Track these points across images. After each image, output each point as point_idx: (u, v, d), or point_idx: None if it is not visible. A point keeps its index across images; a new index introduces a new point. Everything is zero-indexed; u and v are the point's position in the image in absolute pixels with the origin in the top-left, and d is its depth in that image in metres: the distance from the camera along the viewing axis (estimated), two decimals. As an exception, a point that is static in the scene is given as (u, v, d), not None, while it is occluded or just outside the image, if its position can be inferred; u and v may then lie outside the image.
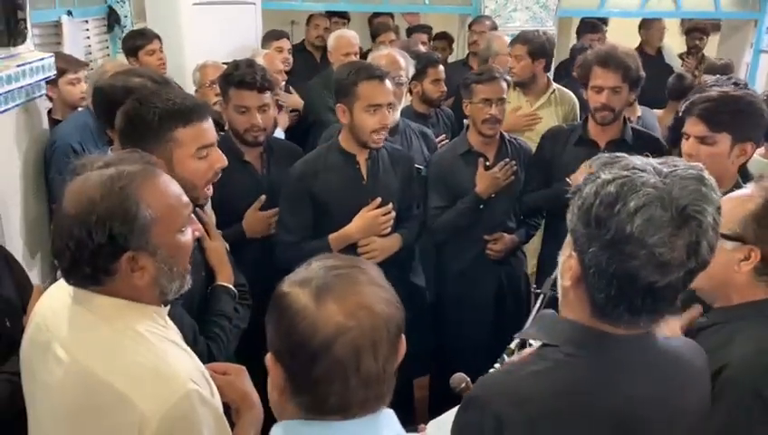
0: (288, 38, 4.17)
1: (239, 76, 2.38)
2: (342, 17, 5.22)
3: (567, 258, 1.10)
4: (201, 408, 1.18)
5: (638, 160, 1.05)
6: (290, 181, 2.38)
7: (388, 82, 2.31)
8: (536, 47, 3.42)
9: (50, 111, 3.04)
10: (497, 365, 1.72)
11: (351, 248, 2.38)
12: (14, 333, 1.57)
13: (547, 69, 3.53)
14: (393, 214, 2.41)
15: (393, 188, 2.45)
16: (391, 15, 5.22)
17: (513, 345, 1.76)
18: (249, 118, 2.38)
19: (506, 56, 3.59)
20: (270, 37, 4.15)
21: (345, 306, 0.96)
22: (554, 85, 3.55)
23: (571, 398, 1.07)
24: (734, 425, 1.27)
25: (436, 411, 2.91)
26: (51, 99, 3.02)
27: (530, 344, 1.67)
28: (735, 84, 2.40)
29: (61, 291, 1.30)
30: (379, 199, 2.38)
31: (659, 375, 1.11)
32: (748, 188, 1.47)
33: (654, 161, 1.05)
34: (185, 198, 1.31)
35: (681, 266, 1.00)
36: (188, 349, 1.31)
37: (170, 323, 1.35)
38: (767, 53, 5.07)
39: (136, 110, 1.69)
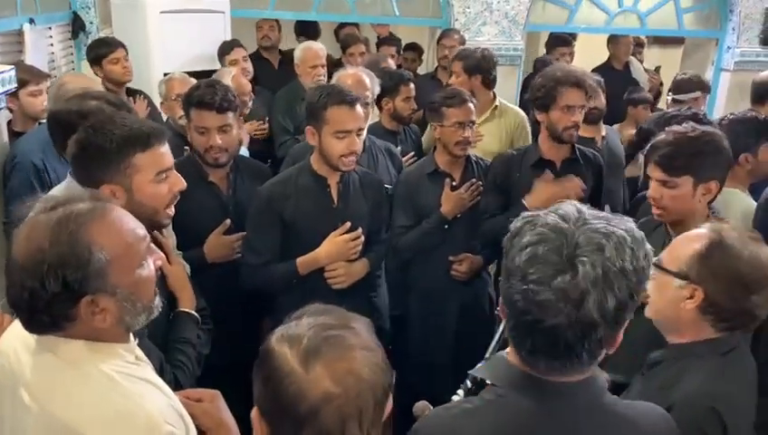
0: (239, 45, 4.07)
1: (198, 97, 2.35)
2: (310, 37, 5.18)
3: None
4: None
5: (571, 206, 1.07)
6: (259, 202, 2.37)
7: (358, 108, 2.30)
8: (471, 64, 3.45)
9: (10, 123, 2.98)
10: (461, 390, 1.75)
11: (319, 272, 2.37)
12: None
13: (488, 85, 3.53)
14: (362, 239, 2.41)
15: (363, 212, 2.45)
16: (357, 26, 5.21)
17: (468, 381, 1.79)
18: (208, 138, 2.35)
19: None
20: (222, 53, 4.02)
21: (333, 372, 0.96)
22: (498, 101, 3.58)
23: None
24: None
25: (400, 430, 2.95)
26: (11, 110, 2.96)
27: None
28: (695, 117, 2.43)
29: (21, 330, 1.26)
30: (348, 224, 2.38)
31: (590, 428, 1.09)
32: (703, 228, 1.52)
33: (596, 213, 1.07)
34: (141, 232, 1.28)
35: (561, 313, 0.99)
36: (161, 384, 1.29)
37: (141, 355, 1.33)
38: (728, 72, 5.20)
39: (90, 137, 1.67)
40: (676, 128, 2.02)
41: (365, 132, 2.48)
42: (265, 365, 1.00)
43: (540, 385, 1.09)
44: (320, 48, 3.94)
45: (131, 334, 1.30)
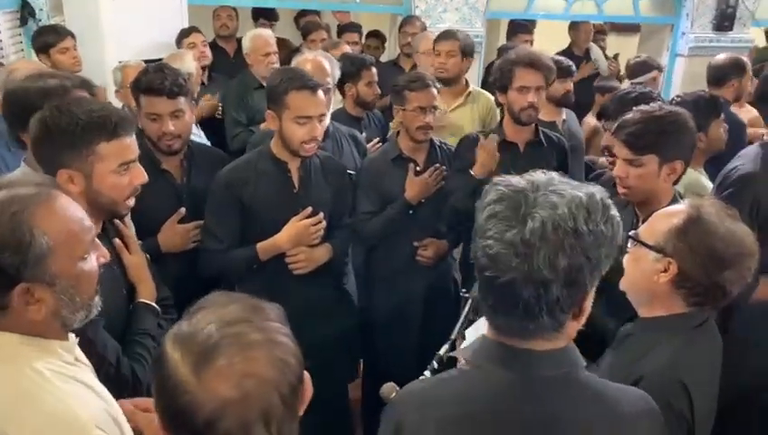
0: (198, 31, 4.00)
1: (147, 82, 2.26)
2: (269, 19, 5.13)
3: None
4: None
5: (554, 175, 1.08)
6: (217, 187, 2.31)
7: (320, 94, 2.27)
8: (467, 45, 3.44)
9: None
10: (427, 371, 1.75)
11: (280, 258, 2.34)
12: None
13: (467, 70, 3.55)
14: (323, 224, 2.38)
15: (325, 197, 2.42)
16: (318, 14, 5.16)
17: (441, 352, 1.79)
18: (161, 125, 2.27)
19: (429, 55, 3.59)
20: (181, 36, 3.98)
21: (229, 377, 0.88)
22: (471, 86, 3.58)
23: (464, 405, 1.09)
24: None
25: (370, 416, 2.96)
26: None
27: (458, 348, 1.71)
28: (647, 97, 2.46)
29: None
30: (309, 209, 2.35)
31: (562, 398, 1.09)
32: (682, 204, 1.53)
33: (568, 181, 1.08)
34: (87, 223, 1.22)
35: (511, 268, 1.00)
36: (100, 388, 1.23)
37: (82, 357, 1.28)
38: (683, 57, 5.32)
39: (54, 118, 1.60)
40: (643, 107, 2.03)
41: (327, 118, 2.45)
42: (158, 373, 0.92)
43: (511, 353, 1.09)
44: (269, 35, 3.89)
45: (71, 334, 1.24)
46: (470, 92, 3.52)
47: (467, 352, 1.20)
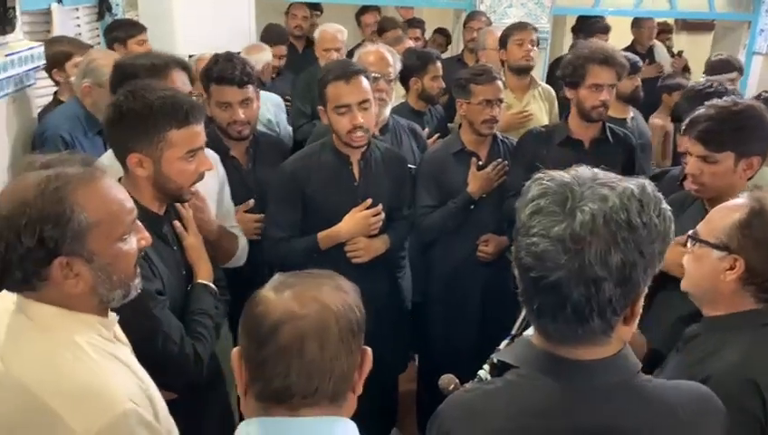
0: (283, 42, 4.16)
1: (218, 71, 2.36)
2: (316, 9, 5.17)
3: None
4: (140, 429, 1.13)
5: (588, 170, 1.03)
6: (282, 177, 2.37)
7: (357, 81, 2.26)
8: (538, 36, 3.45)
9: (56, 94, 3.03)
10: (486, 366, 1.73)
11: (339, 247, 2.37)
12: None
13: None
14: (383, 215, 2.40)
15: (384, 189, 2.44)
16: (378, 10, 5.17)
17: (502, 346, 1.77)
18: (231, 113, 2.37)
19: (495, 51, 3.58)
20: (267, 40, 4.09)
21: (299, 297, 1.01)
22: (537, 81, 3.56)
23: (516, 418, 1.04)
24: None
25: (424, 412, 2.96)
26: (57, 83, 3.01)
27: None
28: (721, 92, 2.36)
29: (6, 296, 1.23)
30: (369, 201, 2.37)
31: (617, 409, 1.03)
32: (742, 198, 1.47)
33: (611, 175, 1.02)
34: (128, 204, 1.26)
35: (560, 266, 0.94)
36: (136, 366, 1.27)
37: (121, 336, 1.31)
38: (760, 55, 5.08)
39: (129, 103, 1.66)
40: (716, 102, 1.94)
41: (387, 109, 2.45)
42: (247, 303, 1.05)
43: (561, 362, 1.03)
44: (336, 30, 3.82)
45: (111, 312, 1.28)
46: (538, 86, 3.51)
47: (508, 355, 1.15)
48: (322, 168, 2.37)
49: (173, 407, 1.35)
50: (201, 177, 1.78)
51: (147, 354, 1.36)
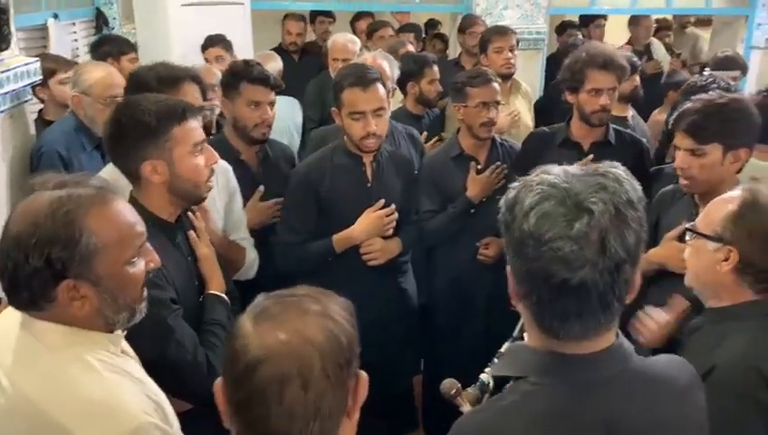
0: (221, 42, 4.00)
1: (258, 72, 2.43)
2: (328, 16, 5.19)
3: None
4: None
5: (555, 168, 1.04)
6: (295, 182, 2.40)
7: (373, 88, 2.28)
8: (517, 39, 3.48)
9: (41, 112, 3.02)
10: (488, 370, 1.71)
11: (354, 250, 2.38)
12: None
13: None
14: (395, 216, 2.42)
15: (396, 190, 2.47)
16: (372, 16, 5.17)
17: (503, 349, 1.75)
18: (261, 112, 2.42)
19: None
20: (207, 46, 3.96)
21: (279, 330, 0.92)
22: (518, 82, 3.58)
23: (539, 428, 1.02)
24: (722, 427, 1.25)
25: (429, 415, 2.94)
26: (42, 100, 3.00)
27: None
28: (717, 86, 2.35)
29: (12, 314, 1.23)
30: (382, 201, 2.39)
31: (628, 394, 1.04)
32: (737, 190, 1.49)
33: (574, 168, 1.03)
34: (139, 228, 1.26)
35: (587, 261, 0.95)
36: (145, 379, 1.26)
37: (129, 350, 1.31)
38: (758, 50, 5.07)
39: (127, 114, 1.68)
40: (703, 96, 1.98)
41: (386, 112, 2.45)
42: (230, 332, 0.99)
43: (567, 361, 1.03)
44: (348, 41, 3.74)
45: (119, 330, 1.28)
46: (521, 85, 3.54)
47: (508, 369, 1.13)
48: (336, 169, 2.40)
49: (191, 418, 1.35)
50: (212, 172, 1.80)
51: (160, 362, 1.37)
